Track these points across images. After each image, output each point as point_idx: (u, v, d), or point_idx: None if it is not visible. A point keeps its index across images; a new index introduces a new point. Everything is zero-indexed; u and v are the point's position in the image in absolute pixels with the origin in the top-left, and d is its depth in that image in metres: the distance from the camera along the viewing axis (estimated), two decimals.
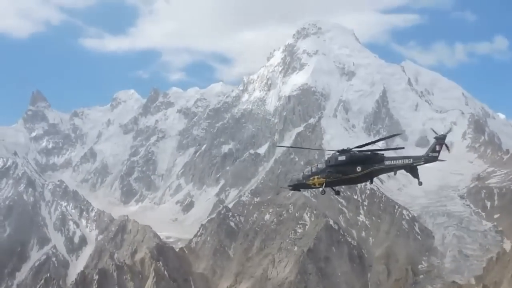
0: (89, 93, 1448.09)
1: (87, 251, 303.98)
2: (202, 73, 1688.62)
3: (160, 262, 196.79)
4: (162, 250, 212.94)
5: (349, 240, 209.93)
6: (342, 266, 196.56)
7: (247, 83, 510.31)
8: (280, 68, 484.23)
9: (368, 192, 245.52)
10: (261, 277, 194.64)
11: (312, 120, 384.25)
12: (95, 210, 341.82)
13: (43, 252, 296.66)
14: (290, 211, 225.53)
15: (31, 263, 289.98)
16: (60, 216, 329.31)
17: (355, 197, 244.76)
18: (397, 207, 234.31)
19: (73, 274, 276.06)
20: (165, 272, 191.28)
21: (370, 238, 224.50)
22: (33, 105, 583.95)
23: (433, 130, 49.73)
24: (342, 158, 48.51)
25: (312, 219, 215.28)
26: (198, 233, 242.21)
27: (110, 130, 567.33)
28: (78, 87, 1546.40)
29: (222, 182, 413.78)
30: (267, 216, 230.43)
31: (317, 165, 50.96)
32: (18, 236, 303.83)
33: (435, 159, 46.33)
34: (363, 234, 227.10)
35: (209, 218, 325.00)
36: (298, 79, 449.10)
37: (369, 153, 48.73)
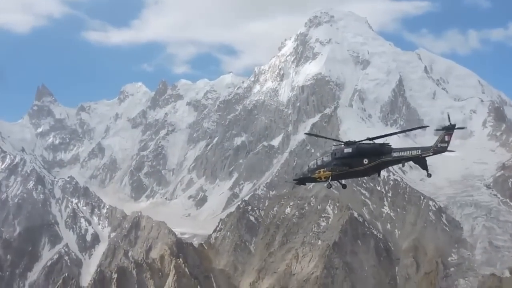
0: (95, 87, 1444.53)
1: (100, 249, 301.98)
2: (208, 66, 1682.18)
3: (180, 259, 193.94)
4: (181, 247, 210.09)
5: (375, 233, 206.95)
6: (369, 259, 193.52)
7: (258, 74, 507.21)
8: (293, 58, 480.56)
9: (392, 183, 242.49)
10: (285, 273, 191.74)
11: (327, 110, 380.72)
12: (107, 207, 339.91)
13: (55, 251, 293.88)
14: (312, 204, 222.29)
15: (42, 262, 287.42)
16: (71, 214, 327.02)
17: (379, 188, 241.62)
18: (422, 197, 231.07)
19: (86, 273, 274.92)
20: (186, 269, 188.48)
21: (396, 230, 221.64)
22: (39, 100, 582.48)
23: (448, 117, 47.95)
24: (348, 150, 47.75)
25: (335, 212, 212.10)
26: (217, 228, 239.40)
27: (118, 125, 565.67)
28: (84, 81, 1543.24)
29: (235, 175, 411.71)
30: (288, 210, 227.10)
31: (322, 158, 50.18)
32: (28, 235, 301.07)
33: (444, 150, 45.35)
34: (388, 226, 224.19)
35: (228, 212, 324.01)
36: (311, 69, 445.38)
37: (376, 144, 47.85)
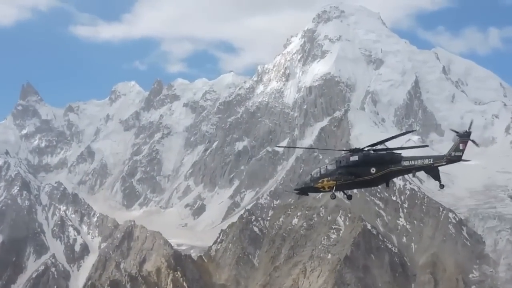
0: (84, 86, 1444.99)
1: (90, 260, 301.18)
2: (205, 64, 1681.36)
3: (178, 272, 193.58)
4: (179, 259, 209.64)
5: (390, 246, 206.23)
6: (383, 275, 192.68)
7: (261, 73, 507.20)
8: (299, 56, 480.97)
9: (408, 192, 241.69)
10: None
11: (337, 114, 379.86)
12: (97, 215, 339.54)
13: (41, 262, 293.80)
14: (321, 215, 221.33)
15: (27, 274, 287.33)
16: (59, 222, 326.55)
17: (394, 198, 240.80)
18: (441, 209, 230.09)
19: (74, 286, 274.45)
20: (184, 284, 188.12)
21: (413, 244, 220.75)
22: (23, 99, 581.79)
23: (471, 124, 46.84)
24: (354, 158, 46.98)
25: (347, 223, 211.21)
26: (218, 240, 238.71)
27: (109, 127, 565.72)
28: (72, 79, 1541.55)
29: (236, 183, 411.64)
30: (295, 220, 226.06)
31: (326, 166, 49.30)
32: (12, 244, 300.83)
33: (458, 159, 43.98)
34: (404, 239, 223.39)
35: (228, 222, 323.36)
36: (319, 68, 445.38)
37: (384, 152, 47.18)
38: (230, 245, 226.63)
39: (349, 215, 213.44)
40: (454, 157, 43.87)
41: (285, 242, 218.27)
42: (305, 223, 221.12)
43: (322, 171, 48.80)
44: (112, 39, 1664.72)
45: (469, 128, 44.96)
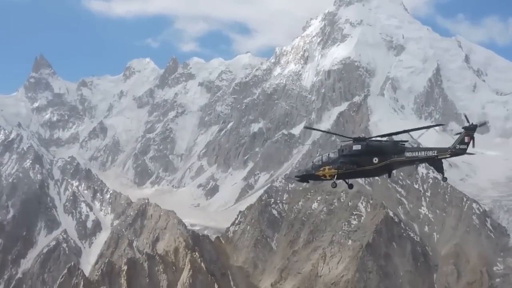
0: (98, 61, 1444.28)
1: (102, 237, 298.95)
2: (219, 45, 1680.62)
3: (196, 253, 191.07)
4: (197, 239, 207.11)
5: (412, 235, 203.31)
6: (405, 264, 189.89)
7: (279, 55, 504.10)
8: (319, 39, 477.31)
9: (431, 181, 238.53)
10: (310, 274, 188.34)
11: (357, 99, 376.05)
12: (110, 192, 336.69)
13: (52, 237, 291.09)
14: (341, 200, 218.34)
15: (38, 249, 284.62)
16: (71, 197, 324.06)
17: (416, 186, 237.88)
18: (465, 199, 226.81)
19: (85, 263, 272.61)
20: (202, 264, 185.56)
21: (435, 234, 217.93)
22: (36, 72, 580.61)
23: (466, 118, 46.71)
24: (357, 147, 46.82)
25: (368, 210, 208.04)
26: (236, 221, 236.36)
27: (122, 103, 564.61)
28: (86, 53, 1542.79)
29: (250, 165, 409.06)
30: (314, 205, 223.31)
31: (328, 154, 49.20)
32: (23, 218, 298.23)
33: (463, 152, 44.10)
34: (426, 229, 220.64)
35: (242, 204, 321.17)
36: (339, 52, 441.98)
37: (388, 142, 47.40)
38: (248, 227, 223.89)
39: (371, 202, 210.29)
40: (458, 150, 43.92)
41: (304, 226, 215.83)
42: (325, 208, 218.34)
43: (324, 159, 48.65)
44: (126, 15, 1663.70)
45: (468, 121, 44.61)
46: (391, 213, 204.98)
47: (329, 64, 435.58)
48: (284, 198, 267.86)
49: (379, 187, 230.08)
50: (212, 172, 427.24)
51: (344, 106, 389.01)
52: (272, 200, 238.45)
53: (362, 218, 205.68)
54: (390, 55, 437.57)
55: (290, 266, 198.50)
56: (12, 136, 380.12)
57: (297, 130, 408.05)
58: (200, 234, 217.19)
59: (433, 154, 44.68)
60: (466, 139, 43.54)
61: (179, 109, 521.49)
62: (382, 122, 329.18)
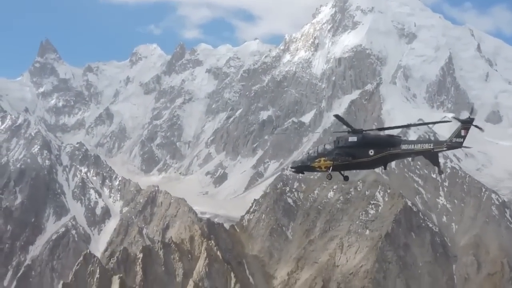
0: (101, 46, 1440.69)
1: (111, 224, 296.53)
2: (222, 32, 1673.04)
3: (212, 241, 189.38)
4: (212, 228, 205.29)
5: (430, 225, 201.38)
6: (424, 255, 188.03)
7: (289, 42, 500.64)
8: (329, 26, 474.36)
9: (449, 171, 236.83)
10: (327, 264, 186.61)
11: (369, 87, 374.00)
12: (119, 179, 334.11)
13: (61, 224, 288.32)
14: (358, 189, 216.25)
15: (46, 235, 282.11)
16: (80, 184, 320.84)
17: (433, 176, 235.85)
18: (484, 189, 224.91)
19: (95, 250, 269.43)
20: (218, 253, 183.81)
21: (453, 224, 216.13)
22: (41, 56, 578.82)
23: (472, 109, 46.84)
24: (353, 139, 46.43)
25: (386, 199, 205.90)
26: (251, 210, 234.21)
27: (129, 89, 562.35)
28: (89, 38, 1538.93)
29: (259, 153, 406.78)
30: (330, 194, 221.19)
31: (324, 145, 48.86)
32: (32, 204, 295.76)
33: (459, 145, 43.67)
34: (444, 219, 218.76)
35: (252, 192, 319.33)
36: (350, 40, 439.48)
37: (384, 135, 47.05)
38: (263, 215, 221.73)
39: (388, 191, 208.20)
40: (455, 143, 43.58)
41: (320, 215, 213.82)
42: (341, 197, 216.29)
43: (320, 150, 48.37)
44: (128, 1, 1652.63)
45: (470, 113, 44.46)
46: (409, 203, 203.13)
47: (340, 52, 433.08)
48: (295, 186, 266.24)
49: (396, 176, 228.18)
50: (221, 159, 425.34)
51: (355, 94, 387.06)
52: (287, 188, 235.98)
53: (380, 207, 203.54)
54: (401, 43, 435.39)
55: (306, 256, 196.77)
56: (20, 121, 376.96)
57: (307, 118, 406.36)
58: (216, 223, 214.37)
59: (429, 147, 44.48)
60: (463, 133, 43.00)
61: (186, 96, 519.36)
62: (395, 111, 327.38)
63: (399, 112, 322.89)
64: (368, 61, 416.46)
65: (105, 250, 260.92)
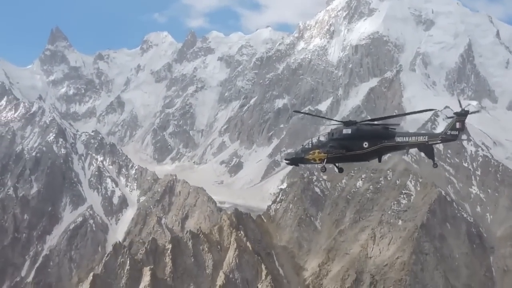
0: (112, 34, 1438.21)
1: (129, 214, 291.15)
2: (227, 20, 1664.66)
3: (242, 232, 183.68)
4: (240, 218, 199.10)
5: (465, 216, 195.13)
6: (460, 246, 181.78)
7: (303, 30, 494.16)
8: (344, 13, 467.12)
9: (481, 159, 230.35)
10: (360, 255, 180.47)
11: (388, 74, 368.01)
12: (136, 167, 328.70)
13: (78, 213, 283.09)
14: (388, 178, 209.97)
15: (63, 225, 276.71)
16: (96, 173, 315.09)
17: (465, 165, 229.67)
18: None
19: (113, 240, 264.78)
20: (248, 244, 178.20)
21: (488, 214, 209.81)
22: (52, 44, 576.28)
23: (459, 103, 45.20)
24: (347, 131, 46.49)
25: (418, 189, 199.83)
26: (278, 199, 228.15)
27: (140, 77, 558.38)
28: (100, 26, 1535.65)
29: (275, 141, 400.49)
30: (359, 183, 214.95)
31: (318, 137, 49.09)
32: (48, 193, 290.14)
33: (454, 138, 43.69)
34: (478, 209, 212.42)
35: (268, 182, 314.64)
36: (366, 27, 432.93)
37: (378, 127, 46.64)
38: (290, 205, 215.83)
39: (420, 180, 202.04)
40: (449, 136, 43.45)
41: (350, 205, 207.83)
42: (371, 186, 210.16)
43: (314, 143, 48.66)
44: None
45: (460, 106, 43.44)
46: (443, 192, 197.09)
47: (357, 39, 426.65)
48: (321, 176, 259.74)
49: (426, 165, 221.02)
50: (235, 148, 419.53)
51: (372, 82, 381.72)
52: (314, 177, 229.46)
53: (412, 197, 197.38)
54: (419, 30, 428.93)
55: (337, 247, 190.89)
56: (34, 109, 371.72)
57: (323, 106, 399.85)
58: (244, 213, 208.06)
59: (424, 140, 44.18)
60: (458, 125, 42.85)
61: (198, 84, 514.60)
62: (416, 99, 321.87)
63: (420, 100, 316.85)
64: (386, 48, 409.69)
65: (124, 240, 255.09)
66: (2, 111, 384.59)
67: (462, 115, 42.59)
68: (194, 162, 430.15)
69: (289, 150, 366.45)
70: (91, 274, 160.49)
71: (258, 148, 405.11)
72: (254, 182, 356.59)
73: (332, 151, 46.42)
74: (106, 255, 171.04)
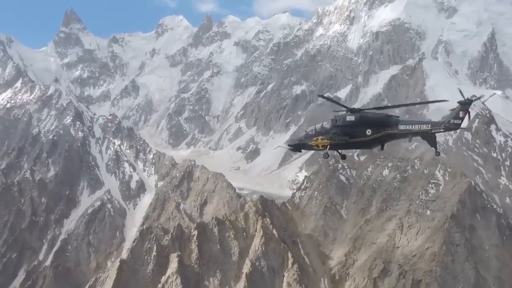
0: (128, 17, 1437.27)
1: (146, 199, 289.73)
2: (239, 5, 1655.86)
3: (268, 219, 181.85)
4: (265, 205, 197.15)
5: (495, 206, 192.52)
6: (491, 237, 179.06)
7: (321, 15, 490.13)
8: (365, 0, 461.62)
9: (510, 149, 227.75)
10: (387, 245, 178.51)
11: (410, 62, 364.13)
12: (153, 152, 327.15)
13: (95, 197, 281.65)
14: (416, 167, 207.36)
15: (81, 209, 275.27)
16: (114, 157, 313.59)
17: (494, 155, 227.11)
18: None
19: (131, 225, 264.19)
20: (274, 232, 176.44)
21: None
22: (66, 26, 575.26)
23: (461, 92, 45.01)
24: (350, 118, 47.53)
25: (447, 178, 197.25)
26: (302, 187, 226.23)
27: (155, 61, 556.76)
28: (114, 9, 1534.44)
29: (293, 128, 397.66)
30: (385, 172, 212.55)
31: (322, 124, 50.43)
32: (66, 177, 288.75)
33: (457, 126, 44.48)
34: (508, 200, 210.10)
35: (286, 169, 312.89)
36: (387, 13, 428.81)
37: (382, 114, 47.47)
38: (315, 193, 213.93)
39: (449, 170, 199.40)
40: (452, 125, 44.04)
41: (376, 194, 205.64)
42: (398, 175, 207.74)
43: (317, 129, 49.94)
44: None
45: (462, 96, 43.91)
46: (473, 183, 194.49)
47: (377, 26, 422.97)
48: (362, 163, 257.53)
49: (455, 155, 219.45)
50: (252, 134, 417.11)
51: (393, 69, 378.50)
52: (340, 165, 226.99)
53: (441, 187, 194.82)
54: (441, 18, 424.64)
55: (363, 236, 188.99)
56: (50, 91, 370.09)
57: (342, 94, 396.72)
58: (269, 200, 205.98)
59: (427, 128, 44.74)
60: (461, 114, 43.52)
61: (214, 69, 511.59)
62: (439, 87, 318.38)
63: (443, 88, 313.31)
64: (407, 35, 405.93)
65: (142, 225, 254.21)
66: (17, 93, 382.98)
67: (465, 104, 43.21)
68: (209, 147, 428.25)
69: None
70: (118, 260, 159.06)
71: (275, 135, 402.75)
72: (271, 169, 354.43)
73: (335, 137, 47.52)
74: (133, 241, 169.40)
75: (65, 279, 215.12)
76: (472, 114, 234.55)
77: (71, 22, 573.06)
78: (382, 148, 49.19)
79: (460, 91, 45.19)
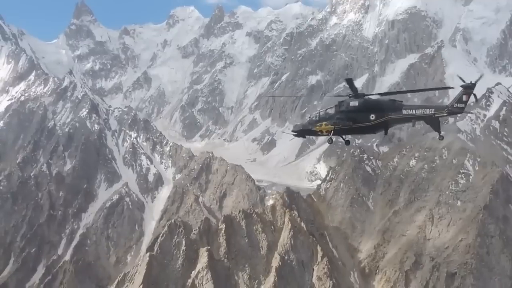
0: (139, 8, 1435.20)
1: (164, 192, 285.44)
2: None
3: (295, 212, 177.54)
4: (291, 197, 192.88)
5: None
6: None
7: (335, 4, 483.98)
8: None
9: None
10: (418, 237, 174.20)
11: (429, 50, 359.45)
12: (170, 144, 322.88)
13: (113, 191, 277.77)
14: (444, 157, 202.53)
15: (99, 203, 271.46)
16: (131, 149, 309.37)
17: None
18: None
19: (150, 219, 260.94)
20: (302, 224, 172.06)
21: None
22: (77, 18, 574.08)
23: (461, 78, 45.52)
24: (354, 103, 47.81)
25: (477, 168, 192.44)
26: (328, 178, 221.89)
27: (166, 53, 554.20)
28: (124, 0, 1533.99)
29: (308, 119, 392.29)
30: (412, 162, 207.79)
31: (326, 109, 50.79)
32: (83, 170, 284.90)
33: (461, 110, 44.76)
34: None
35: (304, 160, 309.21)
36: (403, 1, 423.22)
37: (385, 99, 47.78)
38: (341, 184, 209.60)
39: (478, 159, 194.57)
40: (456, 109, 44.08)
41: (403, 185, 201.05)
42: (425, 165, 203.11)
43: (321, 114, 50.41)
44: None
45: (463, 81, 44.51)
46: (504, 173, 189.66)
47: (393, 14, 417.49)
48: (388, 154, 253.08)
49: (483, 144, 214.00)
50: (267, 125, 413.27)
51: (410, 58, 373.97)
52: (365, 156, 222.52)
53: (471, 177, 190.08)
54: (458, 5, 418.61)
55: (392, 228, 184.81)
56: (65, 84, 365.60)
57: (359, 83, 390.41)
58: (295, 192, 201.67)
59: (430, 112, 44.69)
60: (465, 98, 43.64)
61: (227, 60, 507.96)
62: (459, 75, 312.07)
63: (463, 76, 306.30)
64: (424, 23, 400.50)
65: (160, 218, 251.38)
66: (31, 86, 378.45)
67: (469, 87, 43.49)
68: (224, 139, 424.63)
69: None
70: (147, 254, 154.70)
71: (291, 126, 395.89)
72: (288, 160, 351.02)
73: (339, 123, 47.53)
74: (161, 235, 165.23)
75: (86, 274, 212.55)
76: (499, 102, 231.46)
77: (82, 14, 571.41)
78: (386, 133, 49.29)
79: (460, 77, 45.35)
